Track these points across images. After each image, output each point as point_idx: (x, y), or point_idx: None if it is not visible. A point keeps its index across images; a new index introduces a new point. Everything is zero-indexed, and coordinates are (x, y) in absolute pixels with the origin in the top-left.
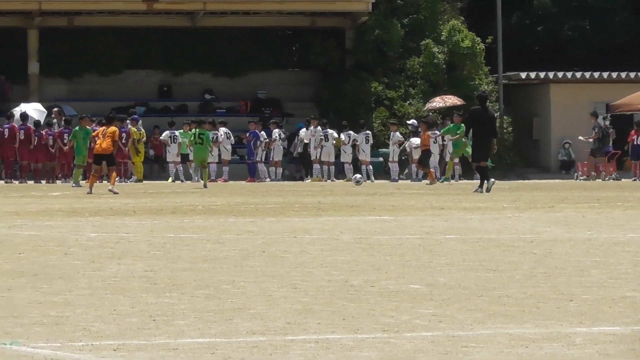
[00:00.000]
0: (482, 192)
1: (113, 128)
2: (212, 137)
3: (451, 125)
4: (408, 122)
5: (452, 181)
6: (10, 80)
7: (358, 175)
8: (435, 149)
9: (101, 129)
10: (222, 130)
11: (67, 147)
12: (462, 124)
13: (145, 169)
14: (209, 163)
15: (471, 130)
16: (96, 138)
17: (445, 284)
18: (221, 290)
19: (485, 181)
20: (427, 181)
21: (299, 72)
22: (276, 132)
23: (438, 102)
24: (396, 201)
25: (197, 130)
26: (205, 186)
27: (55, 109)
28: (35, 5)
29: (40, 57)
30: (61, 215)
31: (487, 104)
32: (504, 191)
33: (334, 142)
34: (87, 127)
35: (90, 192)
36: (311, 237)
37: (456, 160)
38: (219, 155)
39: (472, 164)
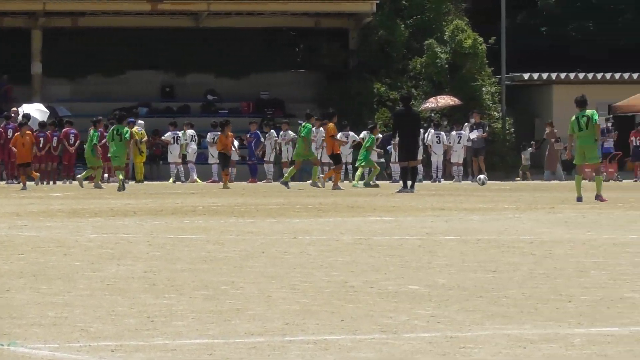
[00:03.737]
0: (410, 191)
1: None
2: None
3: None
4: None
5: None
6: (13, 80)
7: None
8: (439, 149)
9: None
10: (189, 132)
11: (72, 148)
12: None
13: (145, 169)
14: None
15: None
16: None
17: (444, 285)
18: (220, 291)
19: (410, 181)
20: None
21: (303, 73)
22: (289, 132)
23: (432, 102)
24: (397, 202)
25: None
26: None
27: (14, 108)
28: (40, 5)
29: (44, 58)
30: (61, 216)
31: (411, 104)
32: (505, 192)
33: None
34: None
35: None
36: (311, 238)
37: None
38: (184, 156)
39: (400, 164)
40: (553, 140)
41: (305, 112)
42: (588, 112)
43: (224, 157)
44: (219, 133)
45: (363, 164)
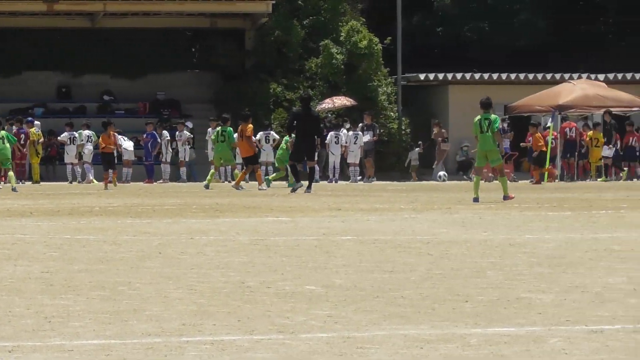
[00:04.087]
0: (300, 186)
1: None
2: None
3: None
4: None
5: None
6: None
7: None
8: (336, 150)
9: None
10: (86, 133)
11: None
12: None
13: (41, 170)
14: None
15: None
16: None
17: (341, 285)
18: (117, 292)
19: (295, 182)
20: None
21: (199, 73)
22: (185, 133)
23: (328, 103)
24: (294, 202)
25: (221, 128)
26: (239, 187)
27: None
28: None
29: None
30: None
31: (310, 105)
32: (402, 192)
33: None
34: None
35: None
36: (208, 238)
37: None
38: (81, 155)
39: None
40: (440, 140)
41: (222, 115)
42: (492, 116)
43: (107, 158)
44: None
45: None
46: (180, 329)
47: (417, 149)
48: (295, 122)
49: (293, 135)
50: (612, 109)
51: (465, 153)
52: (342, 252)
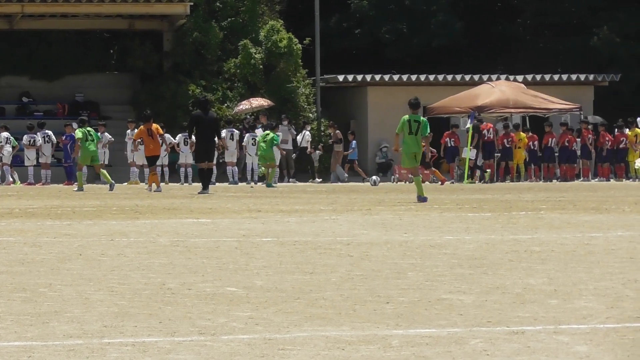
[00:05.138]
0: (207, 193)
1: (156, 125)
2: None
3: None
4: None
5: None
6: None
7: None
8: (253, 151)
9: (143, 129)
10: (4, 134)
11: None
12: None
13: None
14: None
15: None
16: (139, 140)
17: (262, 287)
18: (38, 294)
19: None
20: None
21: (118, 74)
22: (106, 135)
23: (245, 104)
24: (214, 204)
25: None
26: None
27: None
28: None
29: None
30: None
31: (209, 107)
32: (321, 194)
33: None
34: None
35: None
36: (128, 240)
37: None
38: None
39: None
40: (332, 141)
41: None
42: (422, 119)
43: None
44: (35, 135)
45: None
46: (102, 331)
47: (317, 151)
48: (195, 125)
49: (193, 137)
50: (511, 111)
51: (385, 155)
52: (263, 254)
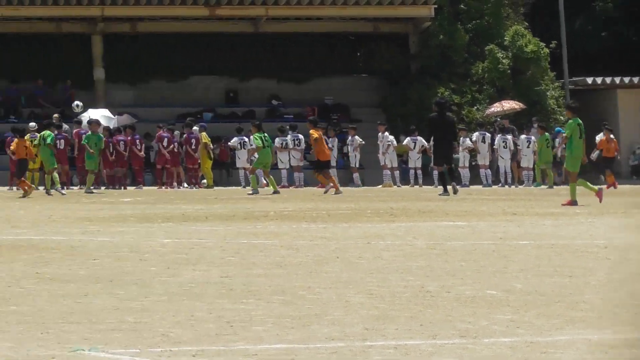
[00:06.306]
0: (447, 196)
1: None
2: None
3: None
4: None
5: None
6: (76, 86)
7: None
8: (506, 154)
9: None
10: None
11: (76, 152)
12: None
13: (214, 174)
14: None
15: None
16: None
17: (521, 290)
18: (297, 297)
19: (454, 184)
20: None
21: (365, 77)
22: (357, 138)
23: (496, 107)
24: (468, 207)
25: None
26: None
27: (56, 115)
28: (98, 11)
29: (106, 63)
30: (133, 221)
31: (445, 110)
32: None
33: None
34: (98, 132)
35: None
36: (385, 243)
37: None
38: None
39: (437, 168)
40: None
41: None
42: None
43: (22, 164)
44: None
45: None
46: (363, 334)
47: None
48: (432, 127)
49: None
50: None
51: (638, 156)
52: (520, 257)
